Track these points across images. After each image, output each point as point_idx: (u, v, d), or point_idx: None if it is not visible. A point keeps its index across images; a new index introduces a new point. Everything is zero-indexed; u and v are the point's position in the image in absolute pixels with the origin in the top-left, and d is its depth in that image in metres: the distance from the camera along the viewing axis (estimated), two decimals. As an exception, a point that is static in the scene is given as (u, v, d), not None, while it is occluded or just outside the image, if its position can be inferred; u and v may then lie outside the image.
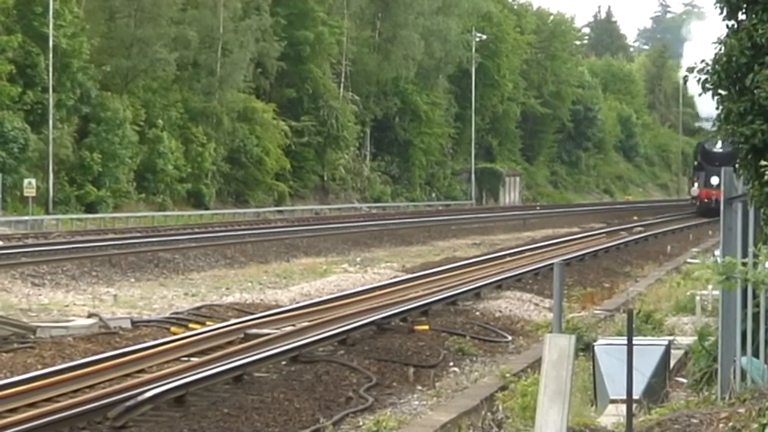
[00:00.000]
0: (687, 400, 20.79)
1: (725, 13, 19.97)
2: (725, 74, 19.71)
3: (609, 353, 20.92)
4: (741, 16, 19.78)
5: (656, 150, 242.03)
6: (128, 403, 21.70)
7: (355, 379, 26.48)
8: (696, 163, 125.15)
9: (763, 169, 17.53)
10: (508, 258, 57.11)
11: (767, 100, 18.80)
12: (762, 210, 19.31)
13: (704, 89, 20.20)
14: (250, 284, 46.70)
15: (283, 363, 27.41)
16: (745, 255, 19.55)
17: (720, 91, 19.91)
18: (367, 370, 27.40)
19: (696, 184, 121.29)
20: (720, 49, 19.93)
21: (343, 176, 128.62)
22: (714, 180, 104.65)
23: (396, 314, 34.81)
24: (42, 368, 25.71)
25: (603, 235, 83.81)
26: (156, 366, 26.44)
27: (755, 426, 17.59)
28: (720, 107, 20.10)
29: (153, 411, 21.77)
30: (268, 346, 28.75)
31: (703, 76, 20.08)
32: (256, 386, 25.10)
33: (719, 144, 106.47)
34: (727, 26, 20.07)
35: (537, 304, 38.99)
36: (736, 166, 30.53)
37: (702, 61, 20.26)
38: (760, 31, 19.17)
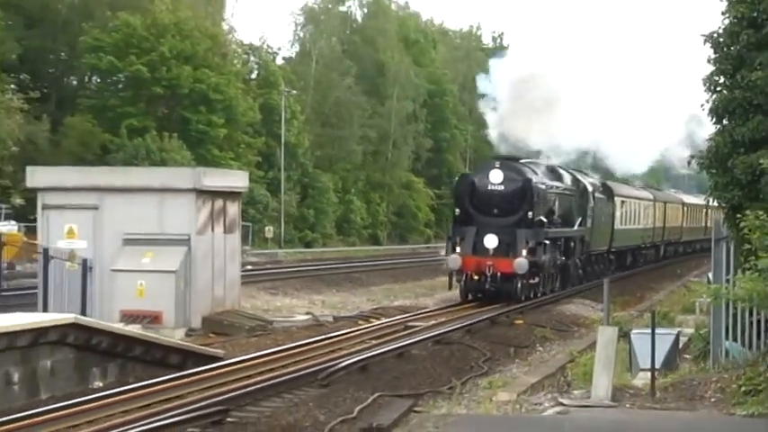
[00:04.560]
0: (690, 369, 20.64)
1: (714, 119, 19.95)
2: (714, 159, 19.67)
3: (640, 338, 20.79)
4: (725, 122, 19.71)
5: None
6: (330, 369, 21.87)
7: (476, 354, 26.51)
8: (457, 211, 40.39)
9: (738, 221, 17.42)
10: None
11: (740, 175, 18.70)
12: (739, 247, 19.14)
13: (701, 168, 20.25)
14: (408, 294, 46.73)
15: (429, 344, 27.44)
16: (727, 276, 19.52)
17: (711, 170, 19.87)
18: (483, 349, 27.43)
19: (458, 248, 38.70)
20: (711, 143, 19.91)
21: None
22: (490, 240, 38.48)
23: (502, 313, 34.71)
24: (277, 347, 25.93)
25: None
26: (348, 346, 26.56)
27: (734, 386, 17.51)
28: (710, 180, 20.10)
29: (346, 375, 21.90)
30: (420, 334, 28.79)
31: (700, 160, 20.11)
32: (412, 359, 25.16)
33: (498, 176, 39.15)
34: (715, 128, 20.08)
35: (593, 307, 38.64)
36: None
37: (699, 151, 20.28)
38: (737, 131, 19.09)
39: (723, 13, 19.76)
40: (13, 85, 71.83)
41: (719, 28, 19.83)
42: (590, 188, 47.79)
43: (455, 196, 41.11)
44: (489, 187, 38.52)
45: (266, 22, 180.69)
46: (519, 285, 37.38)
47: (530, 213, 37.96)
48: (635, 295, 44.16)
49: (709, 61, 19.94)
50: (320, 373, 21.63)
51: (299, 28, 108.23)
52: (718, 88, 19.77)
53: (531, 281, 38.69)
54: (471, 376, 23.00)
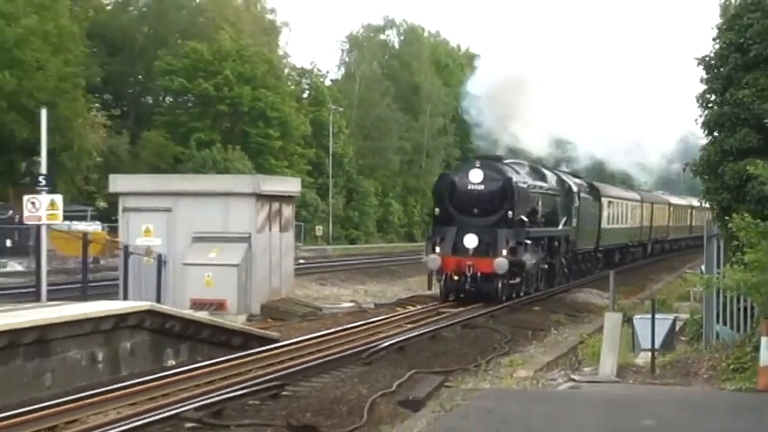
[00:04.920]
0: (685, 349, 20.57)
1: (706, 131, 19.92)
2: (706, 166, 19.61)
3: (641, 322, 20.70)
4: (715, 134, 19.67)
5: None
6: (372, 350, 21.92)
7: (498, 337, 26.39)
8: (437, 211, 34.06)
9: (727, 221, 17.39)
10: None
11: (729, 181, 18.65)
12: (728, 244, 19.11)
13: (694, 174, 20.22)
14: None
15: (458, 328, 27.37)
16: (718, 268, 19.50)
17: (704, 176, 19.83)
18: (505, 332, 27.33)
19: (438, 248, 32.87)
20: (704, 153, 19.88)
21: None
22: (470, 240, 32.52)
23: (522, 301, 34.52)
24: (325, 330, 25.96)
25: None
26: (388, 329, 26.58)
27: (724, 364, 17.47)
28: (703, 185, 20.08)
29: (385, 355, 21.93)
30: (450, 319, 28.73)
31: (694, 167, 20.10)
32: (443, 341, 25.12)
33: (478, 175, 33.25)
34: (707, 139, 20.05)
35: (600, 296, 38.32)
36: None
37: (693, 159, 20.26)
38: (726, 142, 19.05)
39: (714, 39, 19.74)
40: (97, 104, 72.48)
41: (711, 52, 19.81)
42: (575, 188, 41.89)
43: (435, 196, 34.77)
44: (469, 187, 33.12)
45: (316, 48, 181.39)
46: (499, 285, 32.25)
47: (510, 213, 32.83)
48: (637, 285, 43.76)
49: (701, 81, 19.90)
50: (363, 352, 21.65)
51: (344, 54, 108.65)
52: (710, 105, 19.74)
53: (512, 281, 33.20)
54: (494, 356, 22.90)
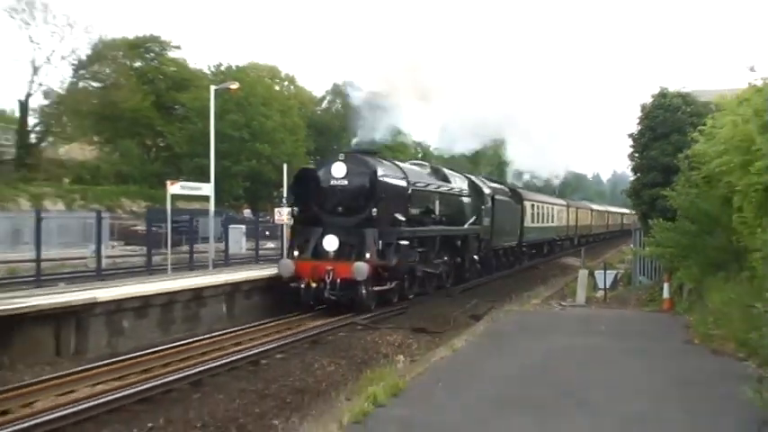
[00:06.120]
0: (622, 289, 20.23)
1: (633, 173, 20.05)
2: (633, 191, 19.61)
3: (599, 274, 19.94)
4: (638, 174, 19.75)
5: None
6: (454, 290, 21.90)
7: (523, 283, 25.52)
8: (296, 210, 14.09)
9: (645, 221, 17.39)
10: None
11: (647, 199, 18.70)
12: (645, 232, 19.12)
13: (627, 196, 20.30)
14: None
15: (500, 279, 26.01)
16: (640, 245, 19.44)
17: (632, 197, 19.90)
18: (526, 280, 26.48)
19: (296, 252, 13.50)
20: (632, 184, 19.98)
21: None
22: (329, 242, 13.34)
23: (531, 265, 32.32)
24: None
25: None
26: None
27: (643, 297, 17.57)
28: (632, 201, 20.14)
29: (461, 293, 21.26)
30: (496, 274, 26.55)
31: (626, 192, 20.20)
32: (493, 285, 24.17)
33: (341, 170, 13.97)
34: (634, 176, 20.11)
35: (577, 260, 36.51)
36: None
37: (626, 187, 20.33)
38: (644, 179, 19.15)
39: (637, 123, 19.93)
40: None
41: (636, 131, 19.88)
42: (487, 191, 24.60)
43: (295, 194, 17.17)
44: (332, 183, 16.54)
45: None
46: (364, 292, 15.78)
47: (374, 211, 16.19)
48: (596, 255, 41.98)
49: (630, 146, 20.02)
50: (449, 291, 21.06)
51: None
52: (635, 158, 19.75)
53: (382, 286, 16.38)
54: (520, 292, 22.23)
